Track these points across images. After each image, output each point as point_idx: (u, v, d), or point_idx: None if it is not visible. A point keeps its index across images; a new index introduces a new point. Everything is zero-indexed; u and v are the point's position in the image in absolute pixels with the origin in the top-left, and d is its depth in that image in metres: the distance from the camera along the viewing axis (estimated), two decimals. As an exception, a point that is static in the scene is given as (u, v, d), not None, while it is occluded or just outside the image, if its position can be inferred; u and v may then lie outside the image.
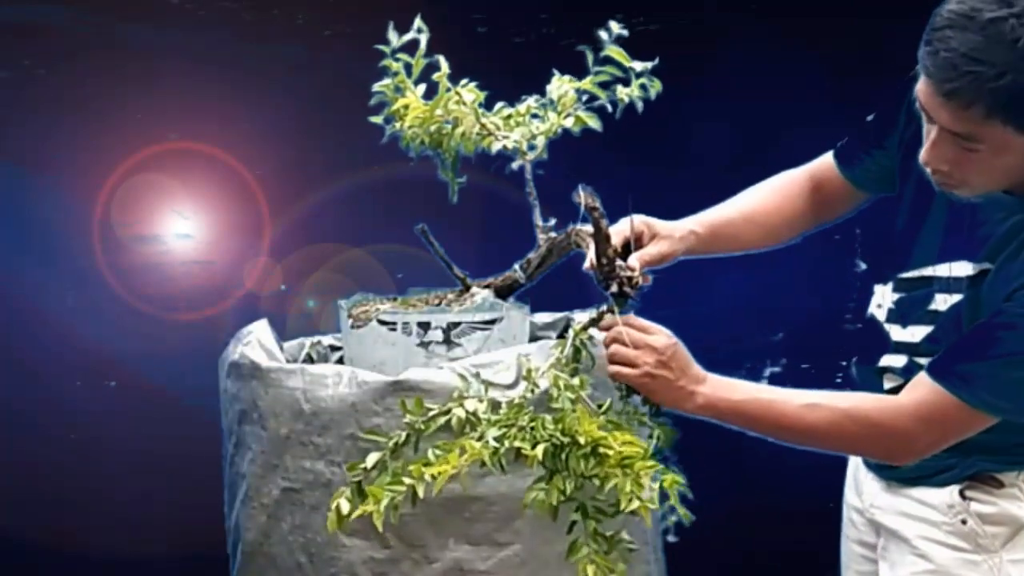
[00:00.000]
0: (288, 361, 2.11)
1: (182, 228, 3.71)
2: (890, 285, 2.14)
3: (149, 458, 3.61)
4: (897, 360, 2.11)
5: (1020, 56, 1.74)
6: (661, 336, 1.95)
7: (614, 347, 1.95)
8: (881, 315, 2.15)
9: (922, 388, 1.95)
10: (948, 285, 2.03)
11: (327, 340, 2.28)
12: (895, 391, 2.06)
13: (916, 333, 2.08)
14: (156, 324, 3.65)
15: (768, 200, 2.30)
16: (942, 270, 2.05)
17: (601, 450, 1.79)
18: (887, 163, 2.18)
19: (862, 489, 2.24)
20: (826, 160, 2.31)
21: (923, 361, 2.04)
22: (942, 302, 2.04)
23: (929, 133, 1.88)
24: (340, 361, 2.19)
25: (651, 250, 2.09)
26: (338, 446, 1.95)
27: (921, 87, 1.85)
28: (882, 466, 2.18)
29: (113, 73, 3.60)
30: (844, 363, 2.25)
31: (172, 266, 3.71)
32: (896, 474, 2.15)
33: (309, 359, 2.23)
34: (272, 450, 2.01)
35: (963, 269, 2.01)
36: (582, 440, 1.80)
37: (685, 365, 1.95)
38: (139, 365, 3.64)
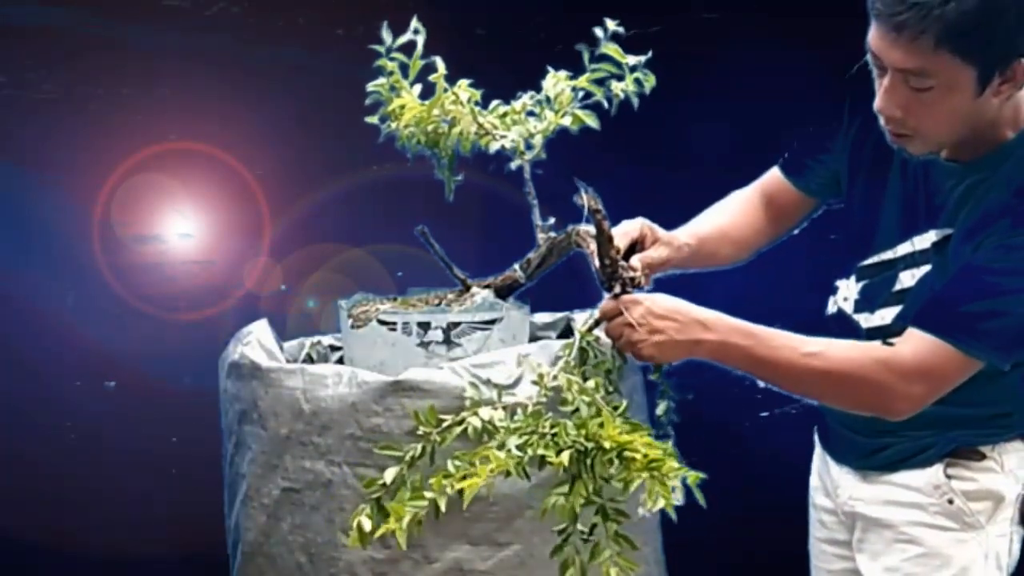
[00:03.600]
0: (288, 361, 2.11)
1: (182, 228, 3.71)
2: (853, 277, 2.18)
3: (149, 458, 3.61)
4: None
5: None
6: (635, 308, 1.94)
7: (618, 344, 1.97)
8: (848, 307, 2.19)
9: (912, 339, 1.97)
10: (913, 259, 2.08)
11: (327, 340, 2.28)
12: None
13: (886, 316, 2.12)
14: (156, 324, 3.65)
15: (735, 217, 2.36)
16: (904, 247, 2.10)
17: (627, 454, 1.79)
18: (834, 166, 2.25)
19: (837, 485, 2.27)
20: (773, 175, 2.38)
21: (897, 341, 2.06)
22: (909, 278, 2.09)
23: (882, 83, 1.94)
24: (340, 361, 2.19)
25: (652, 254, 2.12)
26: (338, 446, 1.95)
27: (872, 34, 1.92)
28: (858, 457, 2.21)
29: (113, 73, 3.60)
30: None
31: (172, 266, 3.71)
32: (874, 462, 2.18)
33: (309, 359, 2.23)
34: (272, 450, 2.01)
35: (927, 239, 2.06)
36: (607, 445, 1.79)
37: (677, 317, 1.94)
38: (139, 365, 3.64)
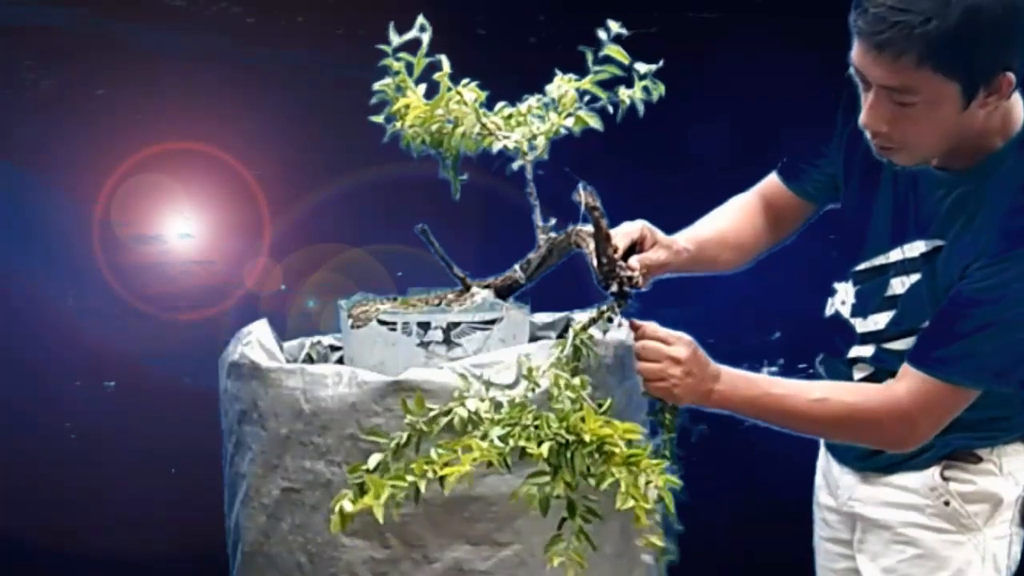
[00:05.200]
0: (288, 361, 2.11)
1: (182, 228, 3.71)
2: (850, 281, 2.18)
3: (149, 458, 3.61)
4: (865, 350, 2.16)
5: (943, 3, 1.81)
6: (681, 346, 1.97)
7: (641, 364, 1.98)
8: (845, 311, 2.21)
9: (909, 377, 2.00)
10: (904, 267, 2.09)
11: (327, 340, 2.28)
12: (866, 380, 2.13)
13: (879, 321, 2.13)
14: (156, 324, 3.65)
15: (735, 222, 2.37)
16: (895, 254, 2.10)
17: (607, 448, 1.80)
18: (830, 169, 2.24)
19: (837, 485, 2.28)
20: (771, 180, 2.38)
21: (891, 346, 2.10)
22: (899, 285, 2.09)
23: (867, 98, 1.94)
24: (340, 361, 2.19)
25: (651, 255, 2.12)
26: (338, 446, 1.95)
27: (855, 51, 1.92)
28: (857, 458, 2.23)
29: (113, 73, 3.61)
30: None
31: (172, 266, 3.71)
32: (873, 463, 2.20)
33: (309, 359, 2.23)
34: (272, 450, 2.01)
35: (916, 248, 2.06)
36: (587, 438, 1.80)
37: (703, 366, 1.99)
38: (139, 365, 3.64)
